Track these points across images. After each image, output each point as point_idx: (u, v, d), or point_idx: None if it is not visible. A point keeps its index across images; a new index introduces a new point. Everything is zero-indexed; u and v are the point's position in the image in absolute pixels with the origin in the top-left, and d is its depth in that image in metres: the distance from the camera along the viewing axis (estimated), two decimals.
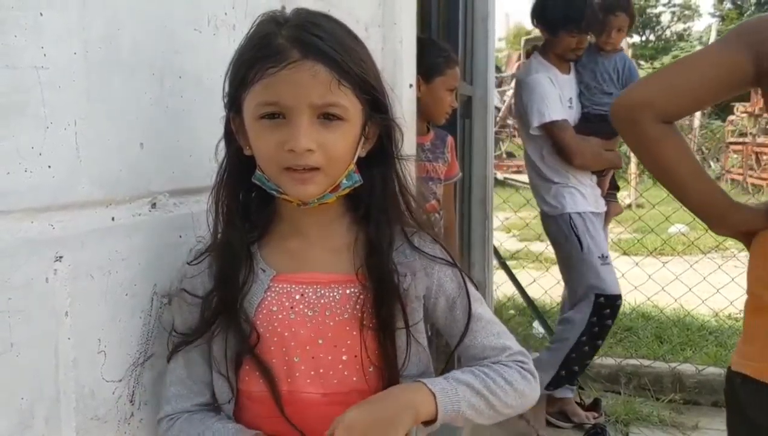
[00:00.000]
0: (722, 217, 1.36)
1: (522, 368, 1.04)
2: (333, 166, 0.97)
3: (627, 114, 1.32)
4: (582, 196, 3.07)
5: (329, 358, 1.01)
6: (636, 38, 25.39)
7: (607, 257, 3.06)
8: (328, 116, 0.95)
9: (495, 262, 4.14)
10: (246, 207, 1.05)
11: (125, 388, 1.00)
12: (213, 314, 1.01)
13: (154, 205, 1.04)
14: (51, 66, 0.83)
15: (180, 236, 1.11)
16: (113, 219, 0.96)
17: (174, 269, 1.08)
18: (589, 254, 3.02)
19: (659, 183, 1.38)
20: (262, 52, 0.94)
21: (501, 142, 13.17)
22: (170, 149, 1.07)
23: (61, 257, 0.87)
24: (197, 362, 1.05)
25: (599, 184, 3.22)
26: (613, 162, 3.25)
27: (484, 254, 3.74)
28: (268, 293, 1.02)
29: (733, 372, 1.32)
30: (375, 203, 1.03)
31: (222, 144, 1.04)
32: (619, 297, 3.05)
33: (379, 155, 1.04)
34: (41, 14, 0.82)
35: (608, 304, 3.03)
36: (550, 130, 3.03)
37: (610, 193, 3.39)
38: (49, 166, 0.84)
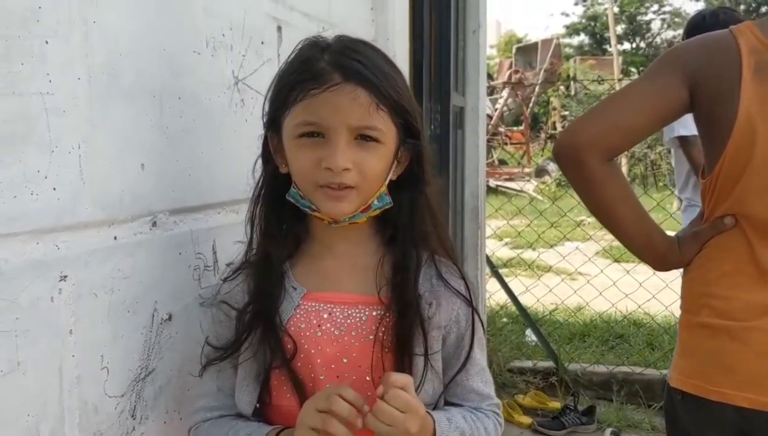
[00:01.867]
0: (663, 258, 1.39)
1: (497, 419, 1.09)
2: (367, 186, 1.00)
3: (573, 155, 1.31)
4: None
5: (354, 378, 1.02)
6: (627, 45, 25.56)
7: None
8: (365, 138, 0.98)
9: (487, 270, 4.17)
10: (280, 223, 1.08)
11: (127, 403, 1.02)
12: (248, 327, 1.03)
13: (154, 224, 1.07)
14: (56, 92, 0.86)
15: (180, 254, 1.13)
16: (115, 238, 0.98)
17: (174, 285, 1.11)
18: None
19: (603, 226, 1.38)
20: (304, 76, 0.98)
21: (493, 150, 13.24)
22: (170, 169, 1.10)
23: (65, 277, 0.89)
24: (229, 376, 1.07)
25: None
26: None
27: (477, 262, 3.77)
28: (297, 311, 1.04)
29: (672, 389, 1.33)
30: (403, 226, 1.05)
31: (259, 163, 1.08)
32: None
33: (409, 179, 1.06)
34: (47, 42, 0.85)
35: None
36: (682, 145, 2.97)
37: None
38: (54, 189, 0.87)
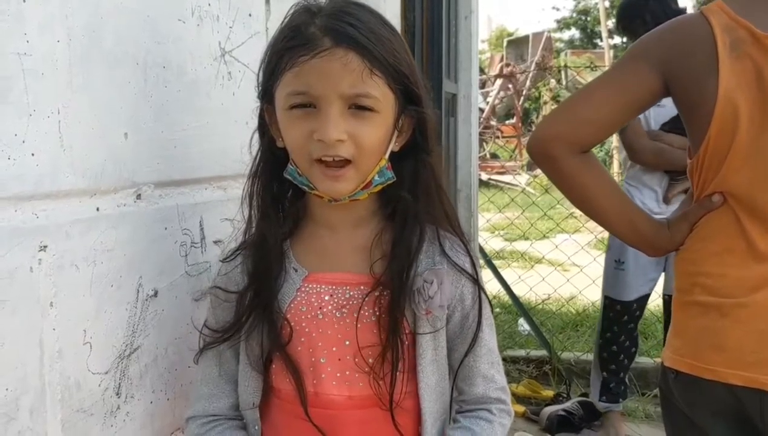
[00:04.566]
0: (652, 243, 1.37)
1: (501, 417, 1.07)
2: (364, 159, 0.95)
3: (541, 149, 1.30)
4: (631, 197, 2.94)
5: (356, 360, 0.99)
6: (617, 40, 25.58)
7: (623, 262, 3.02)
8: (360, 107, 0.93)
9: (480, 260, 4.15)
10: (278, 201, 1.04)
11: (111, 380, 0.99)
12: (247, 310, 1.00)
13: (139, 197, 1.04)
14: (34, 53, 0.82)
15: (165, 228, 1.10)
16: (98, 209, 0.95)
17: (160, 261, 1.08)
18: (609, 256, 3.05)
19: (588, 217, 1.37)
20: (294, 42, 0.93)
21: (485, 143, 13.21)
22: (154, 140, 1.06)
23: (45, 247, 0.86)
24: (229, 360, 1.05)
25: (669, 188, 2.94)
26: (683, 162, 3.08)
27: None
28: (299, 293, 1.01)
29: (666, 368, 1.31)
30: (405, 200, 1.00)
31: (256, 137, 1.03)
32: (620, 303, 3.04)
33: (411, 149, 1.01)
34: (24, 1, 0.81)
35: (611, 306, 3.05)
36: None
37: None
38: (33, 155, 0.83)
